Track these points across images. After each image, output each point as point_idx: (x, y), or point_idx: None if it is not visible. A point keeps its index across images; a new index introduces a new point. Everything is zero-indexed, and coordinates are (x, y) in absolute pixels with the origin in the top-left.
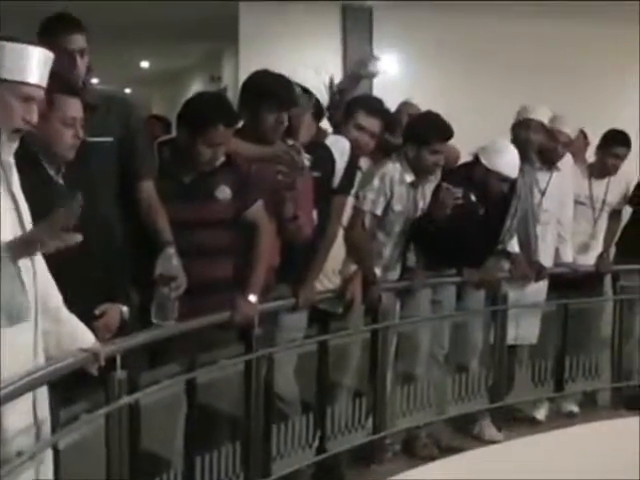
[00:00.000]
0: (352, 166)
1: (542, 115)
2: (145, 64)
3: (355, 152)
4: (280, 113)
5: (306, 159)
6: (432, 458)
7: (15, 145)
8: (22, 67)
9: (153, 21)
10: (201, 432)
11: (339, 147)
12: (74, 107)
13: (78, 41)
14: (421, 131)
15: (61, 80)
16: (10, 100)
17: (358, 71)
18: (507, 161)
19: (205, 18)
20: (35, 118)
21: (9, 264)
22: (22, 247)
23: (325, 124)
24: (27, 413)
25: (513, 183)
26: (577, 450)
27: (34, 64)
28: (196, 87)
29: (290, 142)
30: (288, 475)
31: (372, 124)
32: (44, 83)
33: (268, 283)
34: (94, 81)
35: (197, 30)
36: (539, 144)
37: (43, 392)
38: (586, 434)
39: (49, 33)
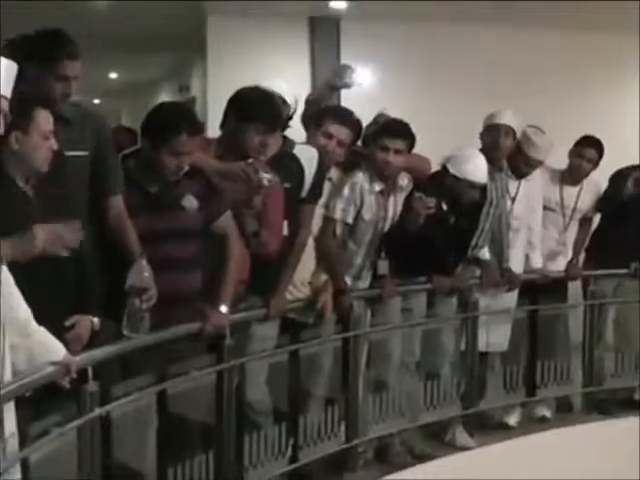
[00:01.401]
0: (320, 175)
1: (509, 119)
2: (114, 75)
3: (323, 161)
4: (265, 135)
5: (266, 178)
6: (405, 465)
7: None
8: None
9: (121, 32)
10: (173, 443)
11: (306, 156)
12: (50, 120)
13: (77, 68)
14: (370, 129)
15: (39, 95)
16: None
17: (333, 82)
18: (475, 168)
19: (173, 29)
20: (2, 129)
21: None
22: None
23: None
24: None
25: (484, 189)
26: (550, 455)
27: (7, 76)
28: (165, 98)
29: (249, 160)
30: None
31: (340, 132)
32: (9, 93)
33: (238, 295)
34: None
35: (165, 41)
36: (508, 149)
37: (10, 407)
38: (559, 439)
39: (47, 54)
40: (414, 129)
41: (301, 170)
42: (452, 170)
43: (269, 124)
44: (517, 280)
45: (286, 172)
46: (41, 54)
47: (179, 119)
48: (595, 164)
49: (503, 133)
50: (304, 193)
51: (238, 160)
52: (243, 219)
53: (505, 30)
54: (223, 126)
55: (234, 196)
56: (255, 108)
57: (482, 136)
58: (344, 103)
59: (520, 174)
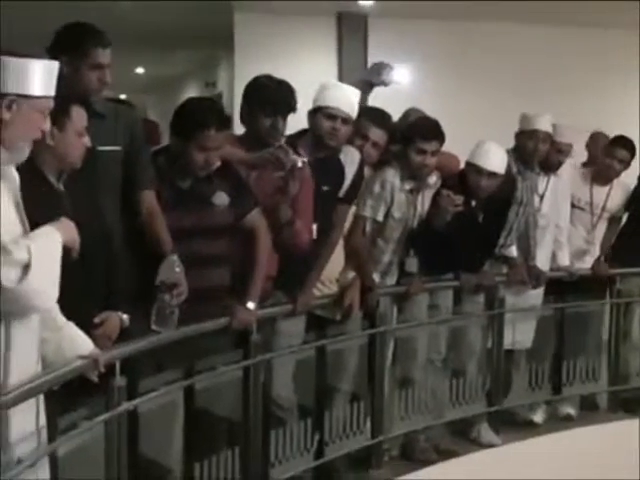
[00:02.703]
0: (359, 177)
1: (548, 125)
2: (140, 70)
3: (364, 163)
4: (276, 117)
5: (299, 159)
6: (430, 462)
7: (26, 155)
8: (38, 82)
9: (149, 27)
10: (200, 438)
11: (350, 157)
12: (84, 117)
13: (109, 56)
14: (406, 131)
15: (73, 91)
16: (31, 113)
17: (371, 79)
18: (486, 154)
19: (200, 25)
20: (47, 127)
21: None
22: None
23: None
24: (29, 420)
25: (512, 188)
26: (575, 453)
27: (48, 76)
28: (191, 93)
29: (277, 143)
30: None
31: (377, 135)
32: (53, 93)
33: (266, 291)
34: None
35: (192, 37)
36: (544, 154)
37: (39, 400)
38: (584, 437)
39: (79, 44)
40: (443, 127)
41: (342, 173)
42: (468, 159)
43: (277, 106)
44: (543, 277)
45: (327, 175)
46: (72, 45)
47: (207, 114)
48: (627, 165)
49: (542, 140)
50: (341, 193)
51: (262, 149)
52: (278, 207)
53: (537, 29)
54: (241, 118)
55: (270, 184)
56: (261, 91)
57: (518, 137)
58: (371, 100)
59: (550, 167)
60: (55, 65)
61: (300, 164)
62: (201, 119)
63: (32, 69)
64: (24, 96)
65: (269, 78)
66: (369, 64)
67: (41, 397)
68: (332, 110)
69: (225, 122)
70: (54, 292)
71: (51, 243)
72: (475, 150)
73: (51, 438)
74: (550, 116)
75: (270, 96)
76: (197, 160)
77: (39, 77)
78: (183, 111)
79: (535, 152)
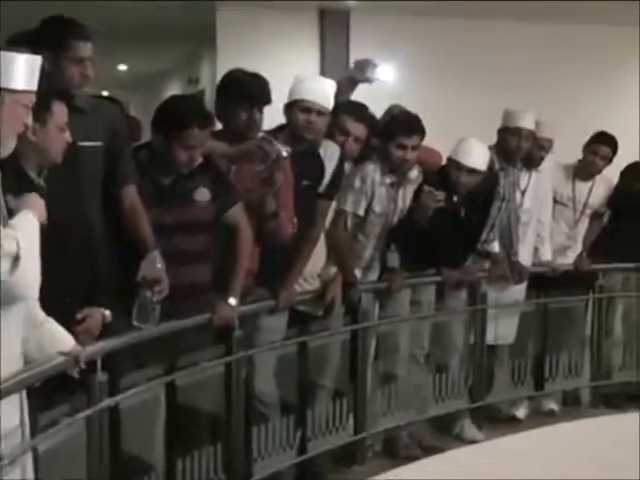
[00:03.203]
0: (340, 172)
1: (531, 123)
2: (123, 67)
3: (344, 158)
4: (252, 110)
5: (283, 149)
6: (413, 458)
7: (11, 150)
8: (20, 75)
9: (131, 23)
10: (182, 434)
11: (330, 152)
12: (65, 113)
13: (90, 49)
14: (386, 125)
15: (55, 86)
16: (15, 107)
17: (354, 76)
18: (464, 150)
19: (183, 21)
20: (30, 121)
21: None
22: None
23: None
24: (11, 417)
25: (495, 184)
26: (558, 448)
27: (30, 70)
28: (174, 90)
29: (256, 136)
30: (269, 476)
31: (358, 129)
32: (35, 87)
33: (247, 287)
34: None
35: (175, 33)
36: (527, 151)
37: (22, 396)
38: (567, 432)
39: (57, 38)
40: (426, 123)
41: (321, 167)
42: (449, 154)
43: (253, 98)
44: (525, 273)
45: (306, 169)
46: (52, 39)
47: (190, 113)
48: (609, 161)
49: (525, 137)
50: (321, 189)
51: (241, 143)
52: (263, 199)
53: (519, 25)
54: (217, 114)
55: (254, 176)
56: (236, 84)
57: (500, 134)
58: (353, 97)
59: (532, 163)
60: (38, 59)
61: (285, 154)
62: (184, 118)
63: (15, 63)
64: (8, 90)
65: (242, 72)
66: (351, 60)
67: (24, 393)
68: (307, 103)
69: (208, 120)
70: (38, 279)
71: (32, 230)
72: (456, 146)
73: (31, 435)
74: (533, 113)
75: (246, 89)
76: (180, 158)
77: (22, 71)
78: (165, 109)
79: (518, 149)
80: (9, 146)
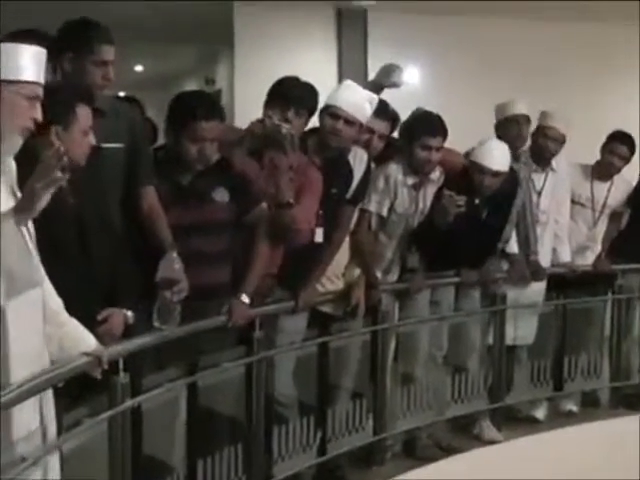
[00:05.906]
0: (367, 178)
1: (524, 108)
2: (139, 68)
3: (371, 163)
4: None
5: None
6: (433, 459)
7: (19, 146)
8: (26, 67)
9: (147, 24)
10: (203, 435)
11: (358, 158)
12: (90, 116)
13: (113, 53)
14: (410, 127)
15: (79, 90)
16: (16, 100)
17: (380, 81)
18: (485, 152)
19: (200, 21)
20: (39, 116)
21: (13, 229)
22: (22, 204)
23: None
24: (33, 417)
25: (515, 183)
26: (577, 449)
27: (36, 63)
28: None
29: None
30: (290, 477)
31: (381, 126)
32: (42, 80)
33: (268, 289)
34: None
35: (192, 34)
36: (528, 137)
37: (49, 395)
38: (586, 433)
39: (84, 41)
40: (447, 124)
41: (351, 175)
42: (471, 157)
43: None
44: (543, 273)
45: (336, 177)
46: (78, 42)
47: (195, 105)
48: (627, 161)
49: (523, 122)
50: (349, 195)
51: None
52: (277, 188)
53: (535, 23)
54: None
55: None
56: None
57: (498, 128)
58: None
59: (545, 160)
60: (41, 51)
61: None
62: (190, 110)
63: (15, 54)
64: (7, 81)
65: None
66: (369, 59)
67: (49, 393)
68: (336, 109)
69: (215, 112)
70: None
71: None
72: (478, 148)
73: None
74: (522, 100)
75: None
76: (190, 151)
77: (24, 62)
78: (175, 104)
79: (520, 136)
80: (14, 141)
